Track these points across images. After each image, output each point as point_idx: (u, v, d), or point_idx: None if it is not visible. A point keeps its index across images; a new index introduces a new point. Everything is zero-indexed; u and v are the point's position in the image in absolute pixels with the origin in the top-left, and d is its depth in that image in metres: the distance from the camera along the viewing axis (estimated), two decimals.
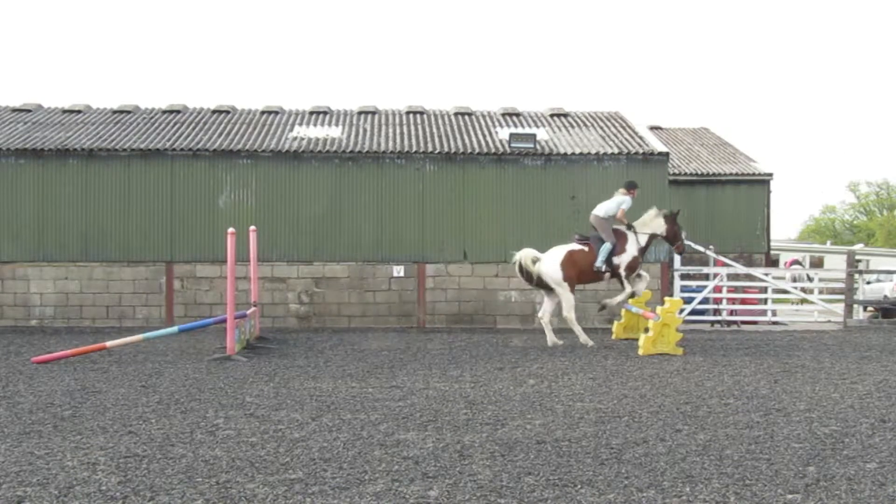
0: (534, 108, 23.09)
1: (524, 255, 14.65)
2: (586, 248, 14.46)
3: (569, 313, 14.44)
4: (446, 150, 18.85)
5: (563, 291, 14.41)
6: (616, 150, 18.91)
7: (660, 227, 14.74)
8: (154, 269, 18.29)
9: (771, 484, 5.55)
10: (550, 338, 14.39)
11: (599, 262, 14.24)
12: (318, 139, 19.49)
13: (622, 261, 14.39)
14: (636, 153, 18.81)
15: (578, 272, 14.41)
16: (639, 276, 14.74)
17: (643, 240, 14.67)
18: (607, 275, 14.49)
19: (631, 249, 14.48)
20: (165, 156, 18.45)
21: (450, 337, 16.09)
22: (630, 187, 14.77)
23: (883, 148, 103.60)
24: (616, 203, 14.54)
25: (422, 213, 18.64)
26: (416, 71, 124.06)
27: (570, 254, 14.41)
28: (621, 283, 14.55)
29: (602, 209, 14.52)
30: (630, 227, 14.64)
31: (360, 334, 16.64)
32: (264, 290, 17.97)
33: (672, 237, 14.92)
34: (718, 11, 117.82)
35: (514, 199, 18.68)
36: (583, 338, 14.44)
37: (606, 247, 14.26)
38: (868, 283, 28.33)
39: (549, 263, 14.43)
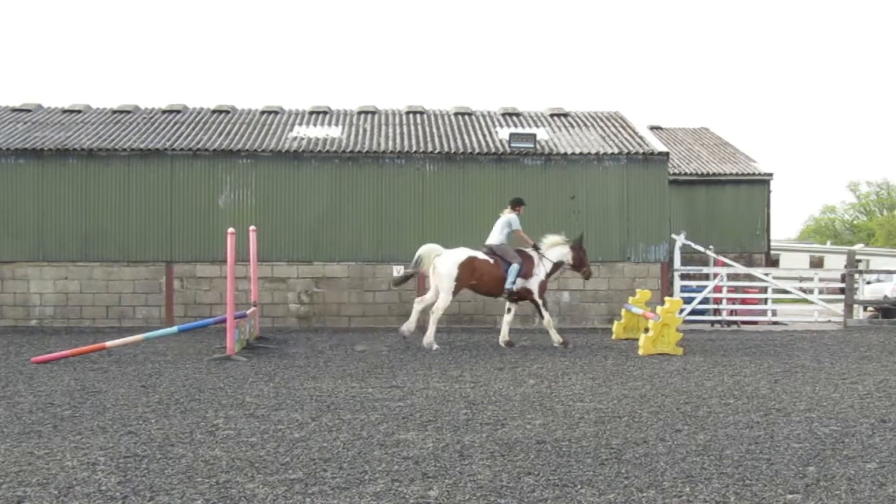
0: (534, 108, 23.11)
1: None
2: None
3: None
4: (446, 150, 18.85)
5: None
6: (616, 150, 18.91)
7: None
8: (154, 269, 18.28)
9: (771, 484, 5.55)
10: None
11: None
12: (318, 139, 19.48)
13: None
14: (636, 153, 18.81)
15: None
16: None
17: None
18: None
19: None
20: (165, 156, 18.45)
21: (450, 337, 16.08)
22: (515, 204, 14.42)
23: (883, 148, 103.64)
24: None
25: (422, 213, 18.63)
26: (416, 71, 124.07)
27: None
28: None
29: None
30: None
31: (360, 334, 16.63)
32: (264, 290, 17.97)
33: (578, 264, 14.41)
34: (718, 11, 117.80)
35: None
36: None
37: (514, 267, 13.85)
38: (868, 283, 28.31)
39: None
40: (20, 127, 19.98)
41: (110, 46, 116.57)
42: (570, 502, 5.15)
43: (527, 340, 15.21)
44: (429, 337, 13.77)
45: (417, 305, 14.23)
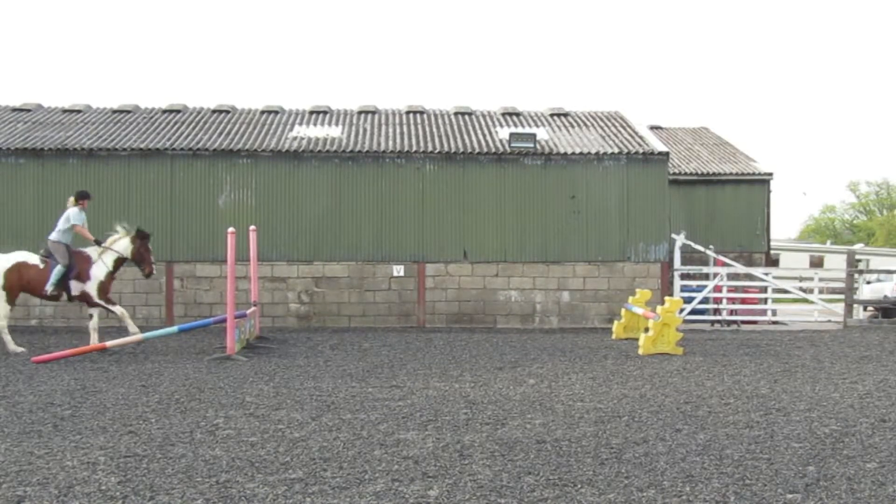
0: (534, 108, 23.10)
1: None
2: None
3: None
4: (446, 149, 18.85)
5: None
6: (616, 150, 18.91)
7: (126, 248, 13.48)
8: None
9: (771, 484, 5.55)
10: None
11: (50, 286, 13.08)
12: (318, 139, 19.48)
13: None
14: (636, 153, 18.81)
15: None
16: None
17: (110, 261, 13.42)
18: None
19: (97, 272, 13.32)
20: (165, 155, 18.45)
21: (450, 337, 16.08)
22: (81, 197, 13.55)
23: (883, 148, 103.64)
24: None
25: (422, 213, 18.64)
26: (416, 71, 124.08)
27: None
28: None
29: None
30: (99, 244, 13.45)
31: (360, 334, 16.63)
32: (264, 289, 17.96)
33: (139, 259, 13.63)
34: (718, 11, 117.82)
35: (514, 199, 18.69)
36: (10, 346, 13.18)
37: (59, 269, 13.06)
38: (868, 282, 28.31)
39: None
40: (20, 127, 19.97)
41: (110, 46, 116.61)
42: (570, 502, 5.15)
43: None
44: None
45: None
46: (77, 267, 13.22)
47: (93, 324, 13.50)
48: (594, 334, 16.95)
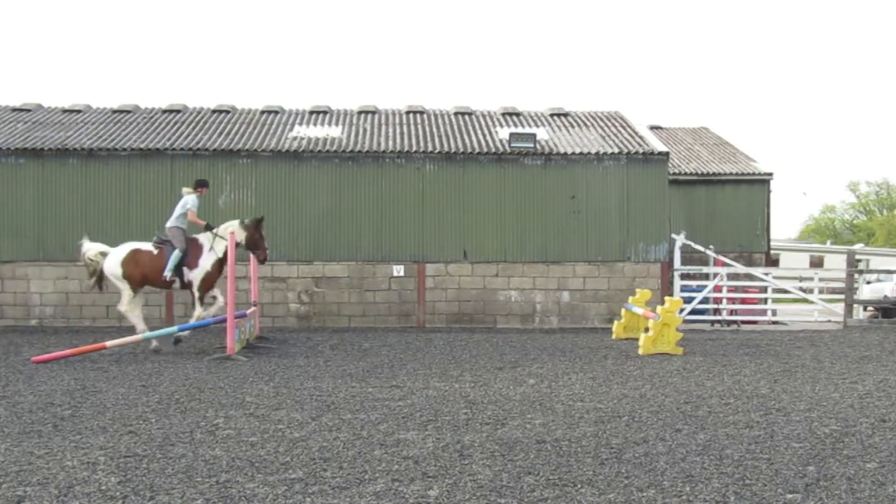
0: (534, 108, 23.10)
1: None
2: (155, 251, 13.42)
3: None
4: (446, 149, 18.85)
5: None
6: (616, 150, 18.91)
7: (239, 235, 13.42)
8: None
9: (771, 484, 5.55)
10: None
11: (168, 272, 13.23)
12: (318, 139, 19.48)
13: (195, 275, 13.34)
14: (636, 153, 18.81)
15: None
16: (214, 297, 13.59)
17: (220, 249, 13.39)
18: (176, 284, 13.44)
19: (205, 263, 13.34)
20: (165, 155, 18.44)
21: (450, 337, 16.08)
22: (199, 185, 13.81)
23: (883, 148, 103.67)
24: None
25: (422, 213, 18.63)
26: (416, 71, 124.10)
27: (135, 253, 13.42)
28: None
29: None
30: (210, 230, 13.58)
31: (360, 334, 16.62)
32: (264, 289, 17.96)
33: (252, 246, 13.70)
34: (718, 11, 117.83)
35: (514, 199, 18.68)
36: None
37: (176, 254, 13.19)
38: (868, 282, 28.32)
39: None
40: (20, 127, 19.97)
41: (110, 46, 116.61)
42: (570, 502, 5.15)
43: None
44: None
45: None
46: (190, 254, 13.30)
47: (212, 308, 13.31)
48: (594, 334, 16.95)
